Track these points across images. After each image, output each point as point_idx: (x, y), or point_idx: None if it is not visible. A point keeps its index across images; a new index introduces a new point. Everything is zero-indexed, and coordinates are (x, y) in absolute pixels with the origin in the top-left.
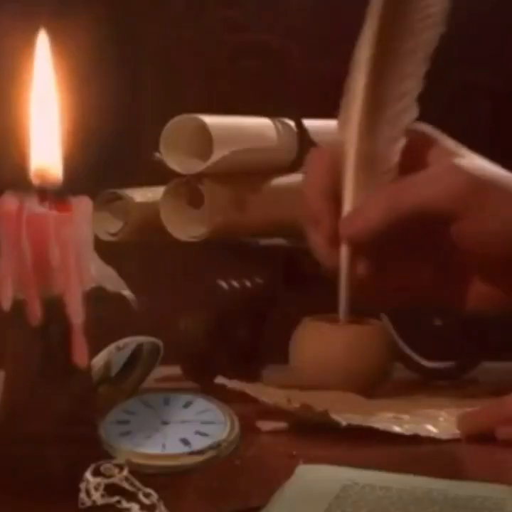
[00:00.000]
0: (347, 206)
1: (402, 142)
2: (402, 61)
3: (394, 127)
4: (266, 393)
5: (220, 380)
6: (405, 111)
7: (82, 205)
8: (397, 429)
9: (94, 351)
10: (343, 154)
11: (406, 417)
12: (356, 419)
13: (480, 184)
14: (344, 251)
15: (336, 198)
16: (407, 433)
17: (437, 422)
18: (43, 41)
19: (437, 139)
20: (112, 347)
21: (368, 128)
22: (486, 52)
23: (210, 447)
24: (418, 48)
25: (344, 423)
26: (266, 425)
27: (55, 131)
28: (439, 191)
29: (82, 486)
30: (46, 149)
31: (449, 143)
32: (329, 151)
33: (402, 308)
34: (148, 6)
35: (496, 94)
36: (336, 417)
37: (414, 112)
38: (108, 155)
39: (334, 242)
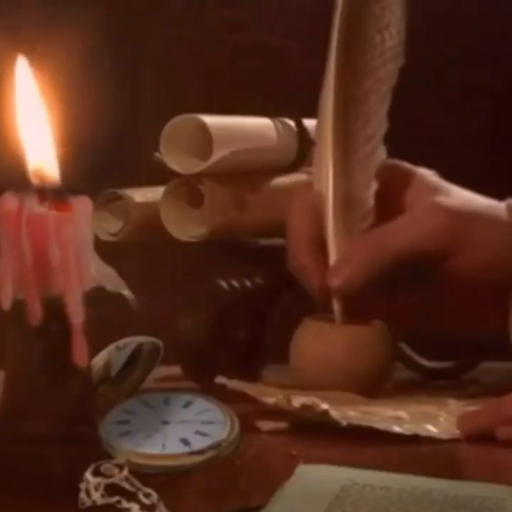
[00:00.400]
0: (332, 255)
1: (374, 186)
2: (364, 102)
3: (365, 171)
4: (266, 393)
5: (220, 380)
6: (373, 153)
7: (82, 205)
8: (397, 429)
9: (94, 351)
10: (322, 202)
11: (406, 417)
12: (356, 419)
13: (463, 219)
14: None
15: (322, 247)
16: (407, 433)
17: (437, 422)
18: (23, 60)
19: (414, 175)
20: (111, 347)
21: (341, 174)
22: (486, 52)
23: (210, 447)
24: (379, 84)
25: (344, 423)
26: (266, 425)
27: (46, 130)
28: (423, 233)
29: (82, 486)
30: (40, 149)
31: (426, 177)
32: (309, 200)
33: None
34: (148, 6)
35: (496, 94)
36: (336, 417)
37: (382, 153)
38: (108, 155)
39: (325, 289)
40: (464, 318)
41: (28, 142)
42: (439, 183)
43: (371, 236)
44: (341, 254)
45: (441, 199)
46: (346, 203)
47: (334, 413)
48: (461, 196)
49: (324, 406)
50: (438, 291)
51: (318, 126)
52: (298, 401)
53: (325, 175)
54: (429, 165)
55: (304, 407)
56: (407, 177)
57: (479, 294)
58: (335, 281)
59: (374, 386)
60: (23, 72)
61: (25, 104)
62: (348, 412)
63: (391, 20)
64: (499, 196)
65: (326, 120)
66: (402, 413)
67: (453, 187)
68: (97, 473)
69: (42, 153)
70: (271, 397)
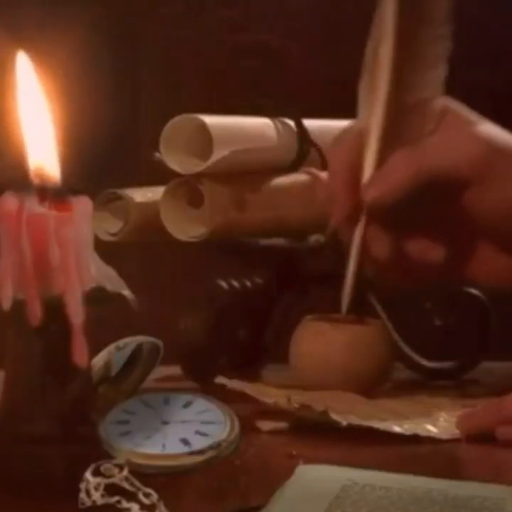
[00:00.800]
0: (367, 175)
1: (435, 95)
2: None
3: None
4: (266, 393)
5: (220, 380)
6: (435, 66)
7: (82, 205)
8: (397, 429)
9: (94, 351)
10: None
11: (406, 417)
12: (356, 419)
13: (495, 153)
14: (358, 231)
15: (357, 182)
16: (407, 433)
17: (437, 422)
18: (23, 57)
19: (455, 109)
20: (111, 347)
21: (399, 80)
22: (486, 52)
23: (210, 447)
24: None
25: (344, 423)
26: (266, 425)
27: (47, 130)
28: (457, 157)
29: (82, 486)
30: (41, 148)
31: (467, 113)
32: (355, 134)
33: (423, 285)
34: (148, 6)
35: (496, 94)
36: (336, 417)
37: (443, 69)
38: (108, 155)
39: (349, 219)
40: (486, 266)
41: (28, 142)
42: (478, 118)
43: (407, 153)
44: (378, 169)
45: (479, 128)
46: (403, 110)
47: (334, 413)
48: (496, 131)
49: (324, 406)
50: (464, 233)
51: (372, 52)
52: (298, 401)
53: (381, 81)
54: None
55: (304, 407)
56: (449, 109)
57: (500, 238)
58: (369, 194)
59: (374, 386)
60: (25, 69)
61: (27, 103)
62: (348, 412)
63: None
64: None
65: (385, 40)
66: (402, 413)
67: (490, 123)
68: (97, 473)
69: (42, 153)
70: (271, 397)
